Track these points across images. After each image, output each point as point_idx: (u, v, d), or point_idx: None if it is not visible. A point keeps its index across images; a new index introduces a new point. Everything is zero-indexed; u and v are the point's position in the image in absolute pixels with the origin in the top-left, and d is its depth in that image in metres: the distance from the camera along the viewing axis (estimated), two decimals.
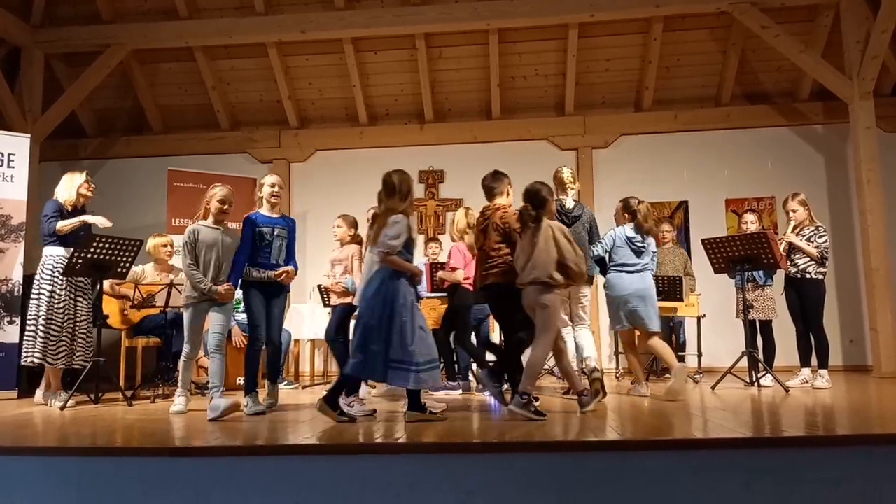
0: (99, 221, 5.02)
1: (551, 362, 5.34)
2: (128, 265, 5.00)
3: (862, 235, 7.08)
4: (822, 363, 5.36)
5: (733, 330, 6.18)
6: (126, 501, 2.63)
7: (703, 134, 8.20)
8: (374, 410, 3.95)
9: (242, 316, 5.44)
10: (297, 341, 7.00)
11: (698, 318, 6.62)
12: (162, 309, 5.41)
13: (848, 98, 7.08)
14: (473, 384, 5.54)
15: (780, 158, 8.03)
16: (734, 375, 5.37)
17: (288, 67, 8.17)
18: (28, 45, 7.62)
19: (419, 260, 5.37)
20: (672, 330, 7.07)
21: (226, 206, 4.24)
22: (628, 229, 4.95)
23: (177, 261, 6.30)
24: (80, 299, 5.02)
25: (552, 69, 8.11)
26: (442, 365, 4.62)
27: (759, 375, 5.36)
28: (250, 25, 7.63)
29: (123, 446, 3.00)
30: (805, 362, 5.52)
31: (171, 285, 5.31)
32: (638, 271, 4.87)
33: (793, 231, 5.56)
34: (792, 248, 5.48)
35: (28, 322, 4.94)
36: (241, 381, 4.88)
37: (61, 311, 4.90)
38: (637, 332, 5.07)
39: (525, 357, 4.02)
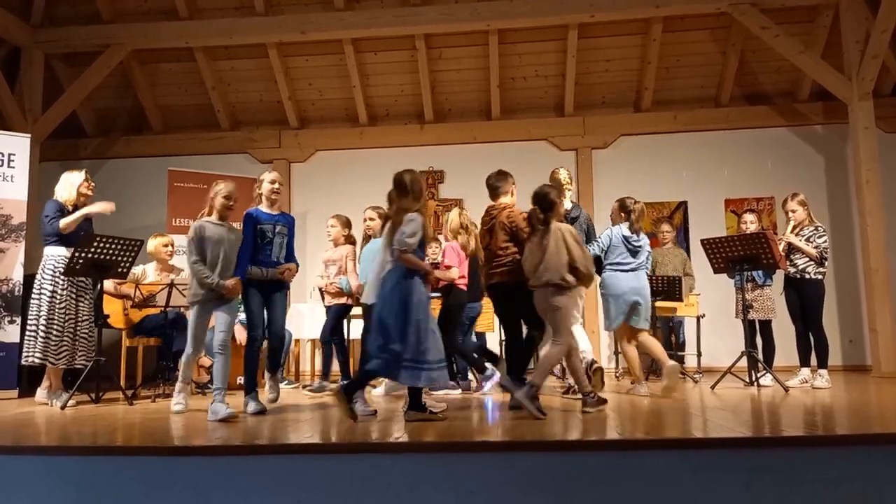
0: (101, 208, 5.01)
1: None
2: (128, 265, 5.00)
3: (861, 236, 7.09)
4: (822, 363, 5.36)
5: (733, 330, 6.18)
6: (126, 501, 2.63)
7: (703, 134, 8.20)
8: (376, 411, 3.96)
9: (244, 315, 5.44)
10: (297, 341, 7.01)
11: (698, 318, 6.64)
12: (162, 309, 5.41)
13: (847, 98, 7.08)
14: (473, 384, 5.55)
15: (780, 159, 8.04)
16: (734, 375, 5.38)
17: (288, 68, 8.18)
18: (28, 45, 7.61)
19: None
20: (671, 330, 7.09)
21: (231, 202, 4.23)
22: (624, 229, 4.98)
23: (177, 261, 6.31)
24: (82, 299, 5.02)
25: (552, 70, 8.11)
26: None
27: (758, 375, 5.37)
28: (250, 26, 7.64)
29: (124, 446, 3.00)
30: (804, 362, 5.52)
31: (171, 285, 5.31)
32: (633, 270, 4.93)
33: (792, 231, 5.56)
34: (791, 249, 5.48)
35: (29, 322, 4.94)
36: (241, 380, 4.88)
37: (63, 310, 4.90)
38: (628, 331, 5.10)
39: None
